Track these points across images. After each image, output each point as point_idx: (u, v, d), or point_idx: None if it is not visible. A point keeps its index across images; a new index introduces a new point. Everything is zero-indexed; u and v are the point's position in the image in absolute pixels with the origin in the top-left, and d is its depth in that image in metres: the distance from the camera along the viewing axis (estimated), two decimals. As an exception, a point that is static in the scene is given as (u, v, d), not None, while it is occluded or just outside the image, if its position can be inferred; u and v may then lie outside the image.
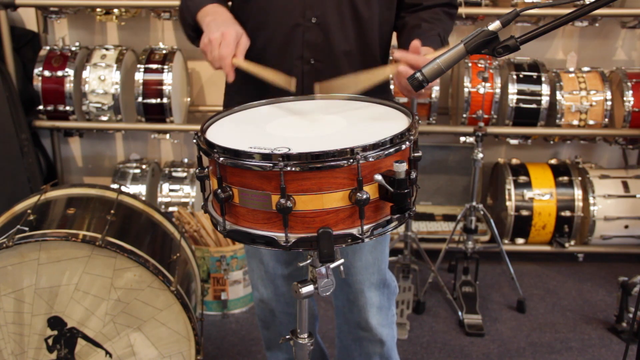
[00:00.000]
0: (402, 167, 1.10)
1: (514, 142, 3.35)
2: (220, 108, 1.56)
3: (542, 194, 3.26)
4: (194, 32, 1.58)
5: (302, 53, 1.56)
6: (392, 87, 3.20)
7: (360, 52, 1.59)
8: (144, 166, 3.43)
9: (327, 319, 2.76)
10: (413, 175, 1.16)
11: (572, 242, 3.29)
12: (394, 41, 1.71)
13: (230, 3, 1.67)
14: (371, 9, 1.56)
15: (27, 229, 1.85)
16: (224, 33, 1.40)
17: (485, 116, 3.19)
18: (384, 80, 1.43)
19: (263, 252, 1.81)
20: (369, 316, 1.77)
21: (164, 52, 3.27)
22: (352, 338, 1.86)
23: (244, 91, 1.66)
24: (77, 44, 3.30)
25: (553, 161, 3.43)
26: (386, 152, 1.14)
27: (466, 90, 3.19)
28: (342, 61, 1.57)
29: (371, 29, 1.59)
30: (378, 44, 1.62)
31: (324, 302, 2.90)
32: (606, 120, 3.19)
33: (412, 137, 1.20)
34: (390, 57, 1.71)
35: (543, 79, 3.18)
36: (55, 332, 1.86)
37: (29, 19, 3.44)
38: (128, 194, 2.22)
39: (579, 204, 3.24)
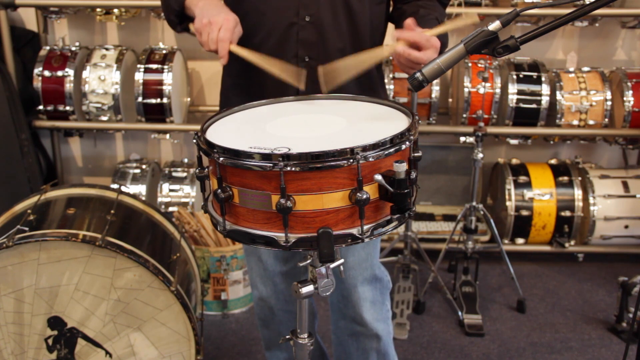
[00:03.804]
0: (402, 167, 1.10)
1: (514, 142, 3.35)
2: (220, 108, 1.56)
3: (542, 194, 3.26)
4: (177, 18, 1.58)
5: (297, 51, 1.57)
6: (392, 86, 3.22)
7: (353, 49, 1.60)
8: (144, 166, 3.43)
9: (327, 318, 2.76)
10: (413, 175, 1.16)
11: (572, 242, 3.29)
12: (388, 41, 1.72)
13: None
14: (363, 4, 1.58)
15: (27, 229, 1.85)
16: (227, 18, 1.43)
17: (485, 116, 3.19)
18: (383, 59, 1.45)
19: (261, 250, 1.82)
20: (363, 311, 1.78)
21: (164, 52, 3.27)
22: (349, 333, 1.87)
23: (240, 87, 1.67)
24: (77, 44, 3.30)
25: (553, 161, 3.43)
26: (386, 152, 1.14)
27: (466, 90, 3.19)
28: (336, 58, 1.58)
29: (363, 25, 1.60)
30: (369, 39, 1.63)
31: (324, 302, 2.90)
32: (606, 120, 3.19)
33: (412, 137, 1.20)
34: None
35: (543, 79, 3.18)
36: (55, 332, 1.86)
37: (29, 19, 3.44)
38: (128, 194, 2.22)
39: (579, 204, 3.24)
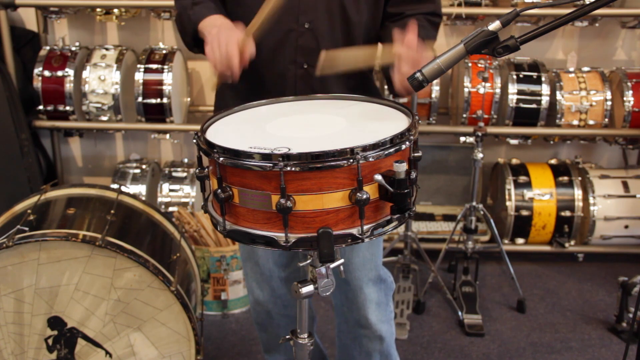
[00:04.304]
0: (402, 167, 1.10)
1: (514, 142, 3.35)
2: (220, 108, 1.56)
3: (542, 194, 3.25)
4: (192, 41, 1.59)
5: (295, 57, 1.58)
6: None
7: None
8: (144, 166, 3.43)
9: (327, 318, 2.76)
10: (413, 175, 1.16)
11: (572, 242, 3.29)
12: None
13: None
14: (360, 14, 1.58)
15: (27, 229, 1.85)
16: (229, 34, 1.42)
17: (485, 116, 3.19)
18: (385, 61, 1.43)
19: (259, 254, 1.82)
20: (369, 312, 1.78)
21: (164, 52, 3.27)
22: (352, 337, 1.86)
23: (236, 87, 1.67)
24: (77, 44, 3.30)
25: (553, 161, 3.43)
26: (386, 152, 1.14)
27: (466, 90, 3.19)
28: None
29: (359, 35, 1.61)
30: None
31: (323, 302, 2.90)
32: (606, 120, 3.19)
33: (412, 137, 1.20)
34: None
35: (543, 79, 3.18)
36: (55, 332, 1.86)
37: (29, 19, 3.44)
38: (128, 194, 2.22)
39: (579, 204, 3.23)
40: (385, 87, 3.19)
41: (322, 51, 1.43)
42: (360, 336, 1.84)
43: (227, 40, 1.40)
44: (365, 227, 1.16)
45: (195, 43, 1.59)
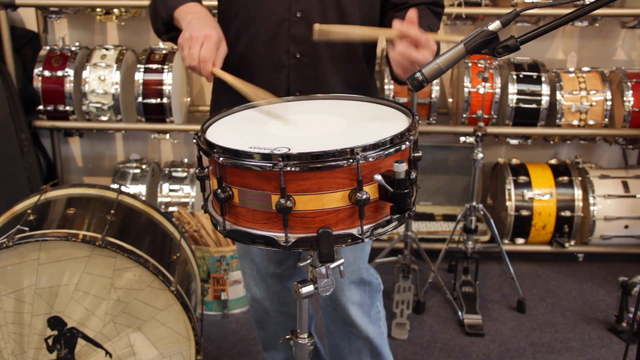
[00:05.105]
0: (402, 167, 1.10)
1: (514, 142, 3.35)
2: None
3: (542, 194, 3.25)
4: (164, 27, 1.58)
5: (288, 47, 1.57)
6: (392, 86, 3.22)
7: (344, 47, 1.60)
8: (144, 166, 3.43)
9: (327, 319, 2.76)
10: (413, 175, 1.15)
11: (572, 242, 3.29)
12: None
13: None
14: (354, 5, 1.58)
15: (27, 229, 1.85)
16: (207, 35, 1.41)
17: (485, 116, 3.19)
18: (376, 38, 1.41)
19: (254, 252, 1.82)
20: (352, 314, 1.79)
21: (164, 52, 3.27)
22: (340, 335, 1.87)
23: (231, 88, 1.67)
24: (77, 44, 3.30)
25: (553, 161, 3.43)
26: (386, 152, 1.14)
27: (466, 90, 3.19)
28: (326, 56, 1.59)
29: (354, 23, 1.59)
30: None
31: (324, 302, 2.90)
32: (606, 120, 3.19)
33: (412, 137, 1.20)
34: (384, 53, 1.71)
35: (543, 79, 3.18)
36: (55, 332, 1.86)
37: (29, 19, 3.44)
38: (128, 194, 2.22)
39: (579, 204, 3.23)
40: (385, 86, 3.21)
41: (314, 25, 1.39)
42: (349, 334, 1.84)
43: (203, 42, 1.40)
44: (365, 227, 1.16)
45: (166, 29, 1.58)
